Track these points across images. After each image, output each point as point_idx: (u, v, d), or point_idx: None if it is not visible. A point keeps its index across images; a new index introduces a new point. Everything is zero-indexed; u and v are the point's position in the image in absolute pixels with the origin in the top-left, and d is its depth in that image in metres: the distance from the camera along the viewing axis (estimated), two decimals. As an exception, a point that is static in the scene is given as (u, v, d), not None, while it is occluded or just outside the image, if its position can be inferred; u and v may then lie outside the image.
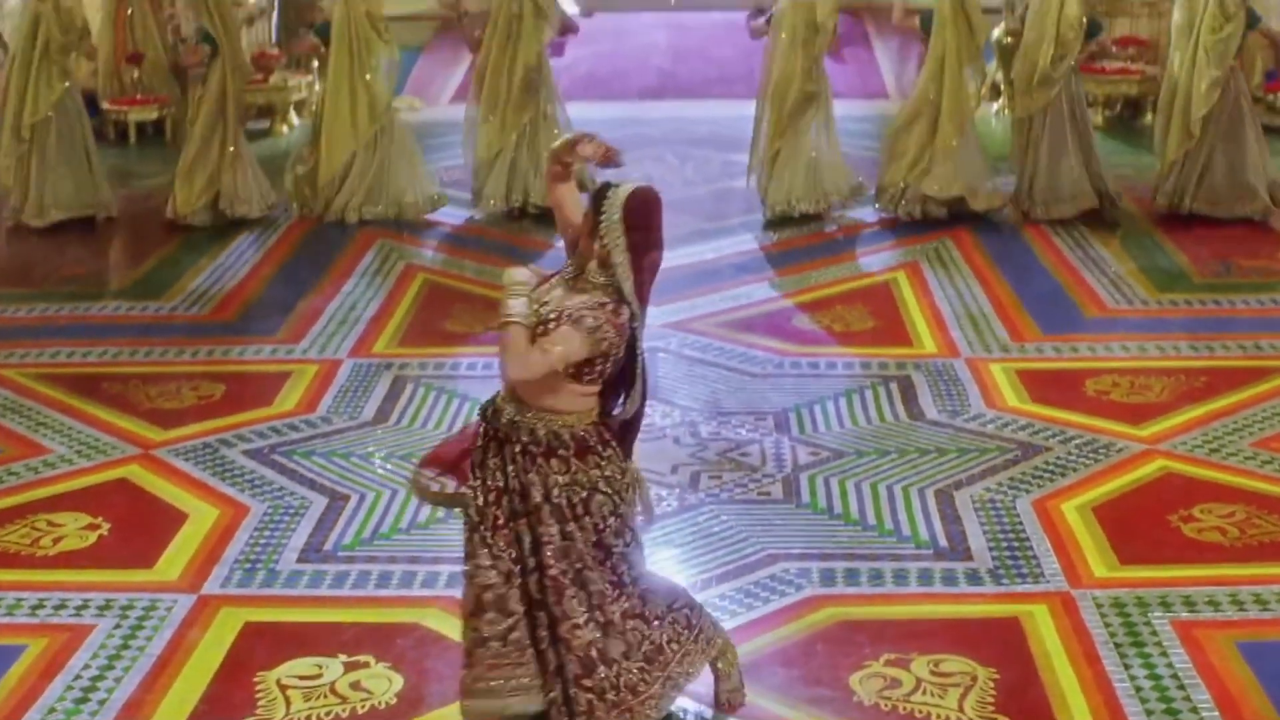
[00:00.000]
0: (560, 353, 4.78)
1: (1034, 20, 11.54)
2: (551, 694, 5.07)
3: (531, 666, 5.08)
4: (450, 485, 5.11)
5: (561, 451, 4.95)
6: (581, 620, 5.01)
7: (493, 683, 5.10)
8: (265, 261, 10.96)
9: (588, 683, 5.03)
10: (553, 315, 4.85)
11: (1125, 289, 10.07)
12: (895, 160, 11.56)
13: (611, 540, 5.02)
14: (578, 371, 4.86)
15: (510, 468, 4.97)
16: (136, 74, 14.44)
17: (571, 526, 4.96)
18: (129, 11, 14.68)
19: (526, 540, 4.99)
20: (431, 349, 9.13)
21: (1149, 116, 14.42)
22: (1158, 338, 9.21)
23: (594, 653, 5.03)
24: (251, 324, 9.68)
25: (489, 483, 5.01)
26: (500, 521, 5.00)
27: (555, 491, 4.95)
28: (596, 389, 4.98)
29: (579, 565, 5.00)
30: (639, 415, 5.14)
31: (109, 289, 10.50)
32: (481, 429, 5.07)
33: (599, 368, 4.89)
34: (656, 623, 5.16)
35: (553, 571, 4.98)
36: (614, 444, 5.03)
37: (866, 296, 10.14)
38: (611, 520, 5.00)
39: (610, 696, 5.06)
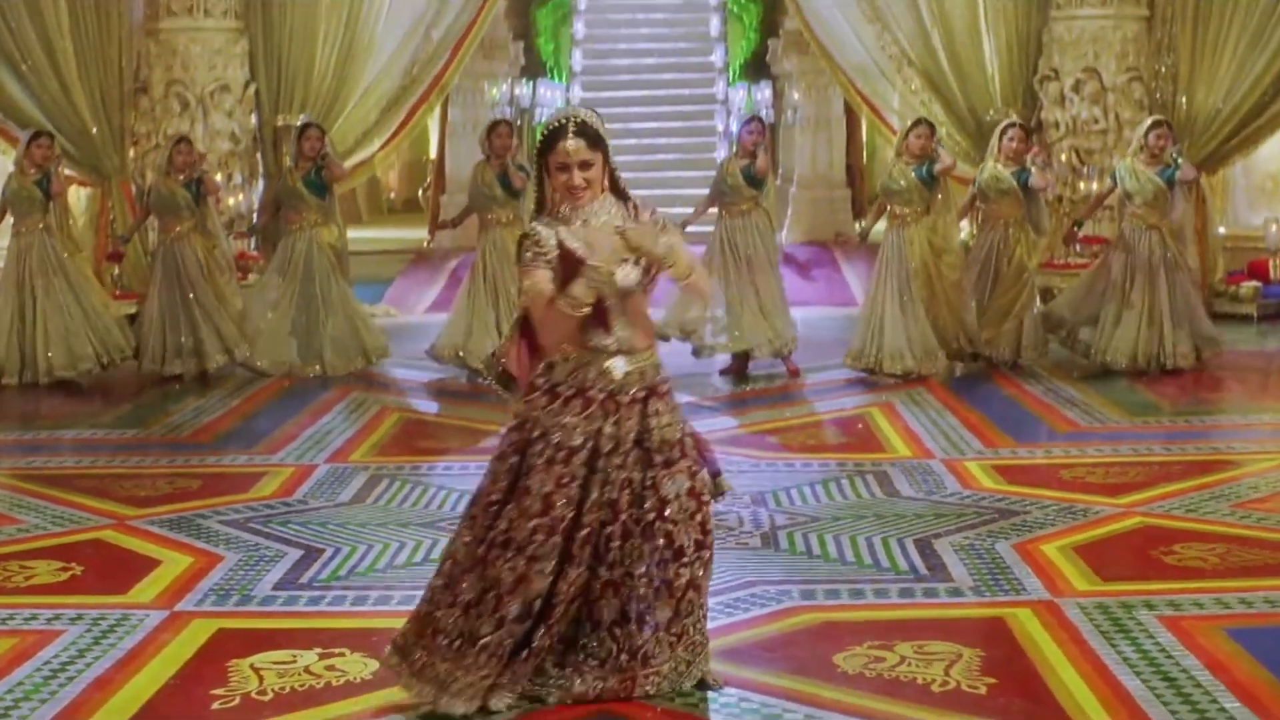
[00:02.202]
0: None
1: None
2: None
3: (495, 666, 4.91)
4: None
5: (662, 386, 4.90)
6: (638, 572, 4.86)
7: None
8: (244, 404, 11.00)
9: (618, 631, 4.91)
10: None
11: (1098, 414, 10.15)
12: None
13: (702, 486, 4.92)
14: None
15: (604, 425, 4.81)
16: (117, 271, 14.64)
17: (659, 473, 4.83)
18: (111, 219, 15.00)
19: (595, 493, 4.81)
20: (408, 457, 9.15)
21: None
22: (1132, 443, 9.27)
23: (634, 610, 4.89)
24: (228, 444, 9.68)
25: (563, 443, 4.82)
26: (565, 481, 4.81)
27: (649, 436, 4.83)
28: None
29: (652, 515, 4.85)
30: None
31: (88, 423, 10.54)
32: (559, 395, 4.88)
33: None
34: (704, 600, 5.08)
35: (624, 516, 4.84)
36: None
37: (840, 423, 10.24)
38: (700, 466, 4.92)
39: (623, 659, 4.94)
